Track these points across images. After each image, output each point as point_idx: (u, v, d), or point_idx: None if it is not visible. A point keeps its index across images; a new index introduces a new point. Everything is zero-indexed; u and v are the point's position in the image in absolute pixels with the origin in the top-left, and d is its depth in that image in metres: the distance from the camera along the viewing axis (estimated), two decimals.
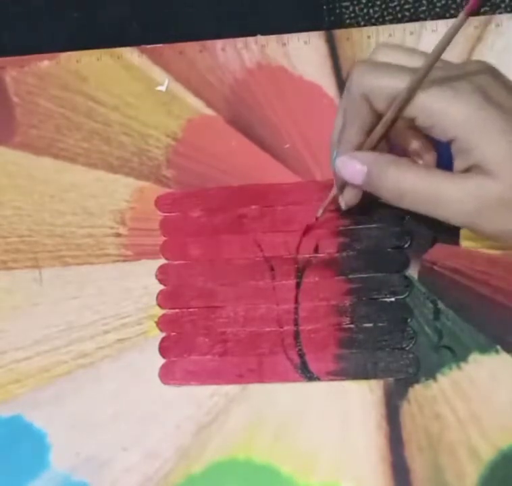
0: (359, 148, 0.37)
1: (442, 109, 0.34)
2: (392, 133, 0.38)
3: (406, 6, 0.49)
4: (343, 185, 0.40)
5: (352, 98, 0.36)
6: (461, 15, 0.31)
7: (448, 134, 0.34)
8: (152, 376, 0.42)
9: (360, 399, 0.40)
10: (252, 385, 0.42)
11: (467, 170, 0.35)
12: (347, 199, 0.40)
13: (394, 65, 0.35)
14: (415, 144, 0.39)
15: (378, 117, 0.36)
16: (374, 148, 0.37)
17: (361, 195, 0.40)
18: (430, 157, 0.39)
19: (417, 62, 0.35)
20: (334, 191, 0.41)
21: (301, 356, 0.42)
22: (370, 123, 0.37)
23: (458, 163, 0.35)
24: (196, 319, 0.43)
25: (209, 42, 0.49)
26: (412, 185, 0.35)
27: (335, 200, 0.41)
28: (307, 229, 0.43)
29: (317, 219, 0.43)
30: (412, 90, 0.34)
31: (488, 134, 0.33)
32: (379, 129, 0.36)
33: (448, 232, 0.42)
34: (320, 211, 0.42)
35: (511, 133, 0.33)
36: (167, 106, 0.48)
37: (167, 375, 0.42)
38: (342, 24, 0.48)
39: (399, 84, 0.34)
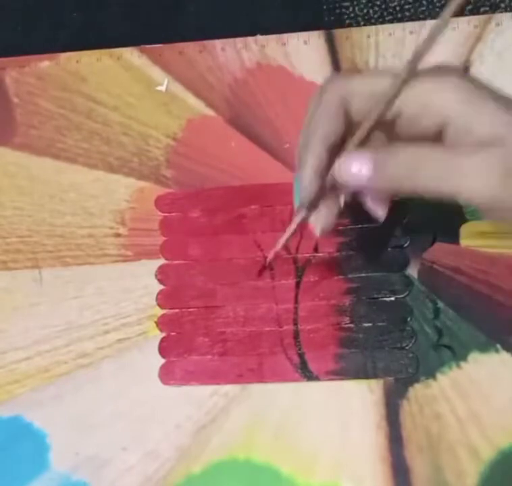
0: (323, 164, 0.33)
1: (431, 94, 0.32)
2: None
3: (406, 6, 0.49)
4: (310, 212, 0.35)
5: (326, 106, 0.33)
6: (444, 15, 0.30)
7: (442, 117, 0.32)
8: (152, 376, 0.42)
9: (360, 399, 0.40)
10: (252, 385, 0.41)
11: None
12: (323, 223, 0.35)
13: (370, 70, 0.35)
14: None
15: (347, 128, 0.34)
16: None
17: (337, 214, 0.36)
18: None
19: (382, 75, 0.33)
20: (292, 227, 0.37)
21: (301, 355, 0.41)
22: (339, 134, 0.33)
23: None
24: (196, 319, 0.43)
25: (208, 42, 0.49)
26: (428, 164, 0.32)
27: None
28: (261, 271, 0.43)
29: (268, 262, 0.43)
30: (398, 87, 0.32)
31: (484, 108, 0.32)
32: (362, 131, 0.33)
33: (447, 231, 0.42)
34: (274, 252, 0.40)
35: (503, 103, 0.32)
36: (167, 107, 0.48)
37: (167, 375, 0.42)
38: (341, 24, 0.48)
39: (381, 82, 0.32)
